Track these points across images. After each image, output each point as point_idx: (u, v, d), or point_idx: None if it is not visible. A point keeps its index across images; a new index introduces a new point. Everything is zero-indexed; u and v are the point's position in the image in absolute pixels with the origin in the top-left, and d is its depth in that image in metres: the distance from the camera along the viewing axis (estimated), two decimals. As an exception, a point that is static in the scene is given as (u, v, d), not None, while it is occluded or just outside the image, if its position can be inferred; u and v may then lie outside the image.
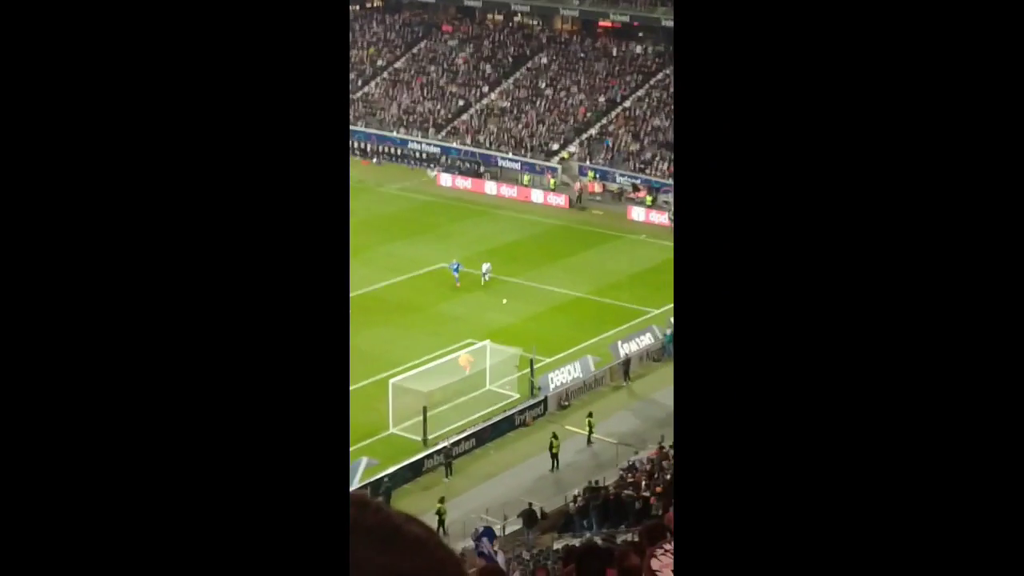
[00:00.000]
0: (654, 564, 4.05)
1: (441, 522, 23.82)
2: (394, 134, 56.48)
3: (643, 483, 24.43)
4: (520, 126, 54.74)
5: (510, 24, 59.54)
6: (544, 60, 56.97)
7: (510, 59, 57.71)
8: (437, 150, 54.95)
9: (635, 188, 49.09)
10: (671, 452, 25.76)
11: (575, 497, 25.55)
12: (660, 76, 53.51)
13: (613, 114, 53.49)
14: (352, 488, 25.97)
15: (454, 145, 54.87)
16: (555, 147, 53.29)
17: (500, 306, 36.82)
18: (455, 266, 39.22)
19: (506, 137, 54.32)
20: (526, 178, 51.36)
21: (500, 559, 16.98)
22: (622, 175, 50.11)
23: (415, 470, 27.65)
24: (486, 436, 29.40)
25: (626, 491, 24.45)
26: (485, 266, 39.24)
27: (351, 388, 29.84)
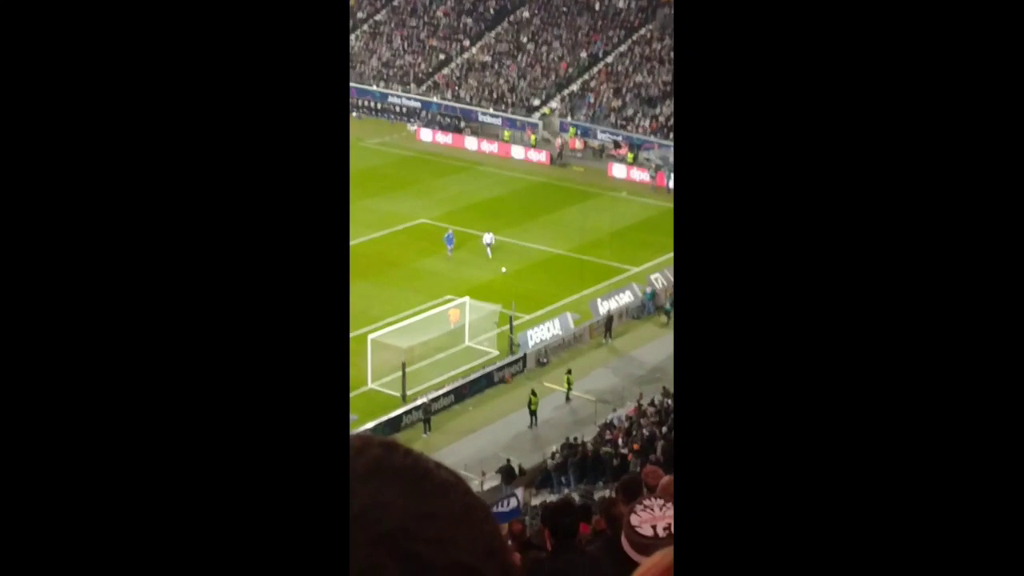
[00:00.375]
0: (633, 520, 4.04)
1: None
2: (374, 88, 56.15)
3: (620, 440, 24.59)
4: (501, 81, 54.47)
5: (492, -23, 59.13)
6: (526, 14, 56.59)
7: (491, 12, 57.30)
8: (417, 104, 54.71)
9: (616, 145, 49.05)
10: (649, 409, 25.95)
11: (553, 453, 25.72)
12: (643, 31, 53.30)
13: (595, 70, 53.30)
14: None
15: (435, 100, 54.60)
16: (536, 103, 53.09)
17: (479, 263, 36.78)
18: (448, 238, 37.62)
19: (487, 92, 54.07)
20: (507, 134, 51.24)
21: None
22: (603, 131, 50.04)
23: (393, 426, 27.74)
24: (465, 392, 29.51)
25: (604, 448, 24.62)
26: (488, 236, 37.66)
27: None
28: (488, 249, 37.01)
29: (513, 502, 16.71)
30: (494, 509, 15.98)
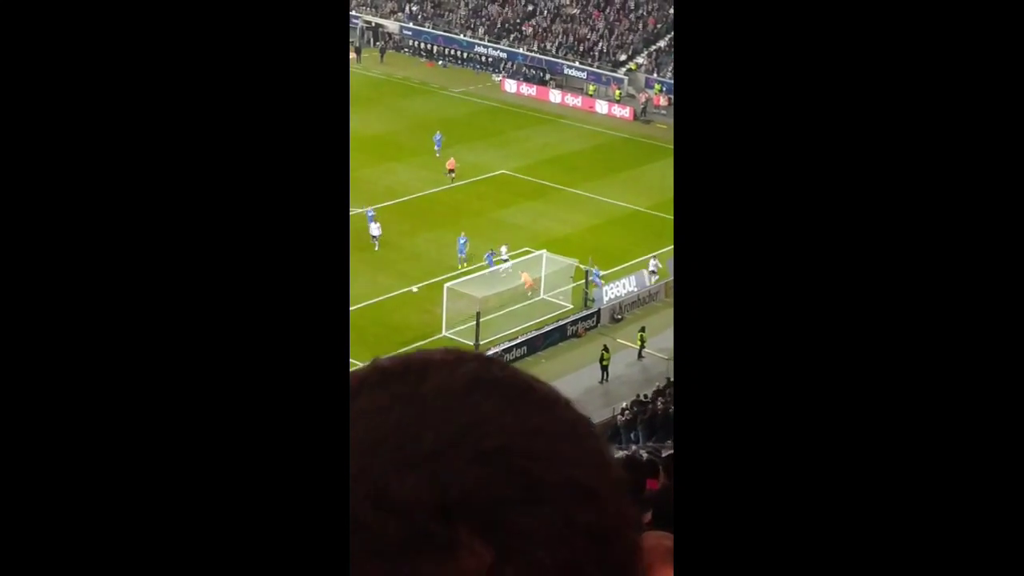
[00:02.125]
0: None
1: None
2: (461, 37, 55.93)
3: (692, 400, 24.40)
4: (587, 30, 53.90)
5: (584, -72, 58.32)
6: (616, -33, 55.82)
7: (582, -36, 56.61)
8: (503, 55, 54.38)
9: (702, 103, 48.18)
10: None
11: (623, 410, 25.71)
12: (735, -11, 52.16)
13: (684, 26, 52.31)
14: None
15: (521, 51, 54.23)
16: (622, 57, 52.46)
17: (558, 216, 36.65)
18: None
19: (573, 41, 53.56)
20: (591, 88, 50.74)
21: None
22: (689, 89, 49.16)
23: (466, 374, 27.88)
24: (538, 344, 29.59)
25: (674, 407, 24.50)
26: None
27: (405, 289, 30.43)
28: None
29: None
30: None
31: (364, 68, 52.27)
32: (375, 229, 33.72)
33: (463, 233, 33.49)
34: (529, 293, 31.20)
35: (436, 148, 41.35)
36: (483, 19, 56.60)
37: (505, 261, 32.36)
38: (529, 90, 51.32)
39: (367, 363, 0.77)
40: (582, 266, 31.84)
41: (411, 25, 57.57)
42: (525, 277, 31.54)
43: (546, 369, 28.77)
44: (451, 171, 39.48)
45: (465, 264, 32.58)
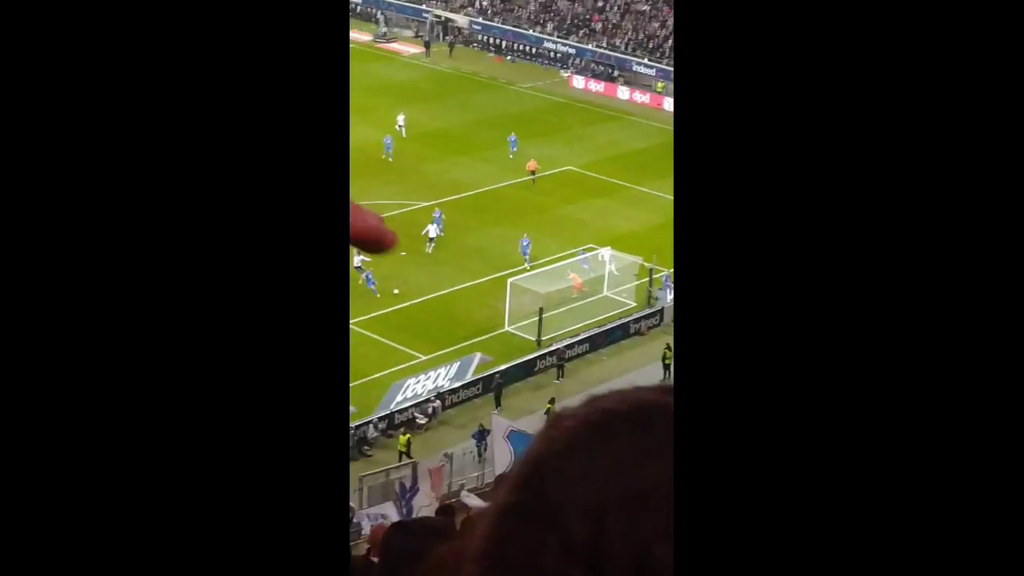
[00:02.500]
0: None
1: (549, 422, 24.14)
2: (530, 32, 55.99)
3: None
4: (657, 26, 53.64)
5: (656, -76, 58.05)
6: (688, -37, 55.48)
7: (653, -40, 56.38)
8: (572, 51, 54.34)
9: (772, 102, 47.87)
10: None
11: (684, 409, 25.60)
12: (808, -14, 51.68)
13: (755, 23, 51.96)
14: (468, 379, 26.49)
15: (589, 47, 54.14)
16: (692, 54, 52.17)
17: (623, 213, 36.49)
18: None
19: (642, 37, 53.33)
20: (660, 85, 50.52)
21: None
22: (759, 87, 48.87)
23: (527, 369, 27.99)
24: (600, 342, 29.54)
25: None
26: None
27: (470, 284, 30.62)
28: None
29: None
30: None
31: (433, 62, 52.61)
32: (433, 231, 33.20)
33: (526, 234, 33.40)
34: (575, 295, 30.96)
35: (511, 150, 41.17)
36: (552, 15, 56.60)
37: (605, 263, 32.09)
38: (597, 86, 51.24)
39: (582, 403, 0.68)
40: (646, 264, 31.70)
41: (480, 20, 57.78)
42: (574, 278, 31.43)
43: (608, 367, 28.72)
44: (532, 172, 39.12)
45: (528, 266, 32.41)
